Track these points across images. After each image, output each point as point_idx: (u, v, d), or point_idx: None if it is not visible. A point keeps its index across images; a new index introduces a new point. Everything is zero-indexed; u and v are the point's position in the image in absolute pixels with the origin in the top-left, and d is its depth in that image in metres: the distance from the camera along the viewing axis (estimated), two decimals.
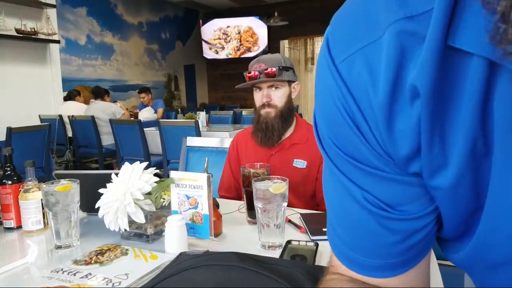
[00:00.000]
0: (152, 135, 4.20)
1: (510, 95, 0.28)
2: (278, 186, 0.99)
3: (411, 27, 0.30)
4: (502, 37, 0.24)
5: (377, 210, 0.38)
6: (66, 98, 5.44)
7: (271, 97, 1.49)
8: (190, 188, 1.04)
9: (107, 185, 1.02)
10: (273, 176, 1.06)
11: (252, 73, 1.46)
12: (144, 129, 4.15)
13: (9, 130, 3.51)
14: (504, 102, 0.29)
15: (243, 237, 1.10)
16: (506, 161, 0.31)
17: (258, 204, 1.00)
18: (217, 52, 9.30)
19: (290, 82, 1.52)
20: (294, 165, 1.48)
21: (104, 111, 4.93)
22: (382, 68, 0.33)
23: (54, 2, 5.36)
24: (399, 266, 0.41)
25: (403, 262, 0.41)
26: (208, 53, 9.41)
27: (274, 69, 1.44)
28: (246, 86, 1.51)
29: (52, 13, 5.35)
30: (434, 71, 0.30)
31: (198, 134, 3.78)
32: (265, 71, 1.44)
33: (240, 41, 9.13)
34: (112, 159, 5.27)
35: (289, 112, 1.52)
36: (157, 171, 1.06)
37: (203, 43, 9.34)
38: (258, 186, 1.00)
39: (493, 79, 0.29)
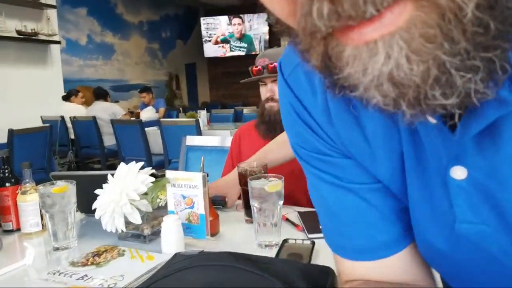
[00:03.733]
0: (154, 135, 4.19)
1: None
2: (274, 184, 0.99)
3: None
4: None
5: (350, 185, 0.44)
6: (64, 97, 5.42)
7: (274, 92, 1.51)
8: (186, 187, 1.04)
9: (103, 186, 1.02)
10: (269, 174, 1.05)
11: (256, 67, 1.48)
12: (146, 128, 4.15)
13: (11, 132, 3.52)
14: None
15: (240, 236, 1.10)
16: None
17: (254, 203, 1.00)
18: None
19: None
20: None
21: (105, 111, 4.94)
22: (316, 80, 0.41)
23: (54, 3, 5.36)
24: (384, 247, 0.45)
25: (388, 241, 0.44)
26: (210, 51, 9.39)
27: (276, 64, 1.45)
28: (251, 80, 1.53)
29: (52, 13, 5.36)
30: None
31: (199, 133, 3.78)
32: (268, 66, 1.45)
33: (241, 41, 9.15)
34: (115, 160, 5.29)
35: None
36: (153, 171, 1.06)
37: (205, 42, 9.33)
38: (253, 185, 0.99)
39: None
